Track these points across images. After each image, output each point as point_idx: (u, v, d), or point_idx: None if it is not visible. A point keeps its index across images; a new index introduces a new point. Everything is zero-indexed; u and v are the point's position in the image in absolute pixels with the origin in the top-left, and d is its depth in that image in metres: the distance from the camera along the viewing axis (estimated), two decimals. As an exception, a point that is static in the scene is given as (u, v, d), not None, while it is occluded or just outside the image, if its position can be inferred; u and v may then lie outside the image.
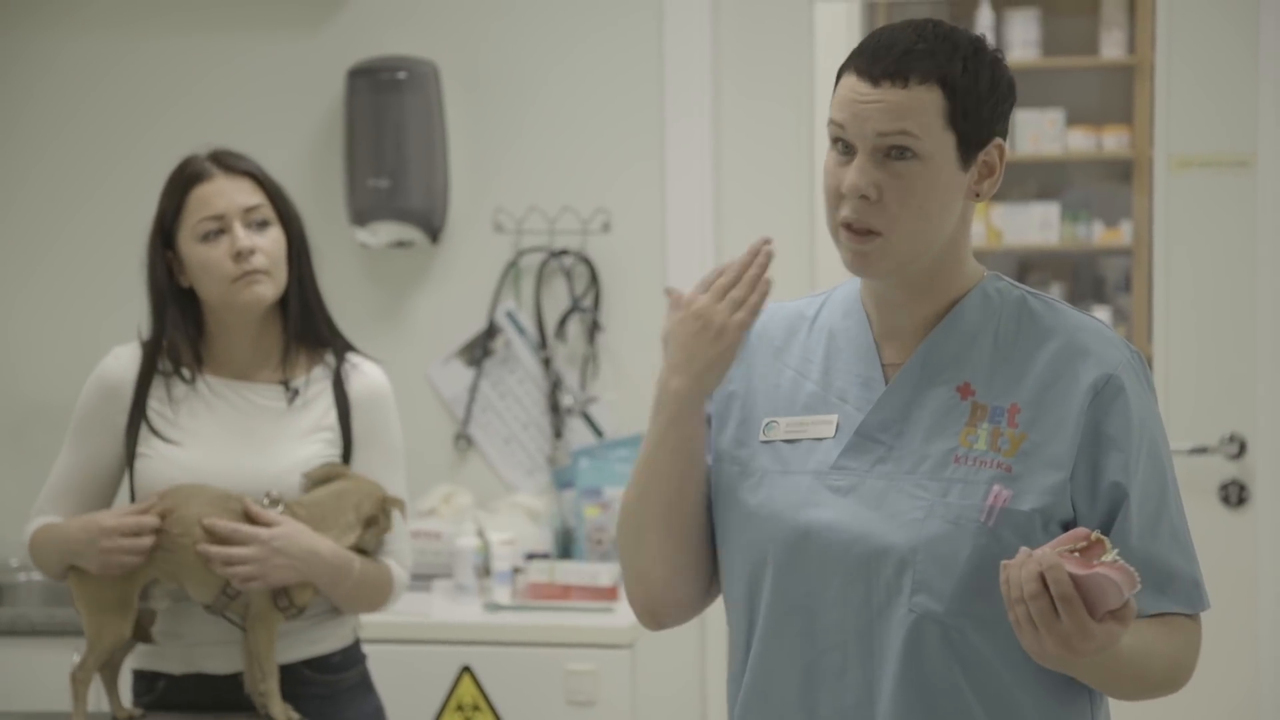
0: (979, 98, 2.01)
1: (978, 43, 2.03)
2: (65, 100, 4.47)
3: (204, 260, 2.85)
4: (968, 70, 2.00)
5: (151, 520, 2.76)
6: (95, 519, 2.79)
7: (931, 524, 2.01)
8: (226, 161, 2.89)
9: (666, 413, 2.10)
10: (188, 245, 2.86)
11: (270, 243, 2.87)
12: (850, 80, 2.02)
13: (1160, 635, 2.01)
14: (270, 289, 2.87)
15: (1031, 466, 2.01)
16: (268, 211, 2.88)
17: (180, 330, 2.90)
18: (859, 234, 2.02)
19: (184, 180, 2.87)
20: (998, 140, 2.05)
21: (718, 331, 2.07)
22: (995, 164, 2.06)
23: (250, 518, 2.77)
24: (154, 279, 2.90)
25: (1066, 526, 2.01)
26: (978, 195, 2.06)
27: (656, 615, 2.20)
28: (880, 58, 2.00)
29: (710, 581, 2.20)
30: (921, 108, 1.98)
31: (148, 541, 2.75)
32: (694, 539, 2.15)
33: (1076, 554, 1.85)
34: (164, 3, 4.42)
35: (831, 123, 2.03)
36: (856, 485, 2.06)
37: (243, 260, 2.83)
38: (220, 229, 2.84)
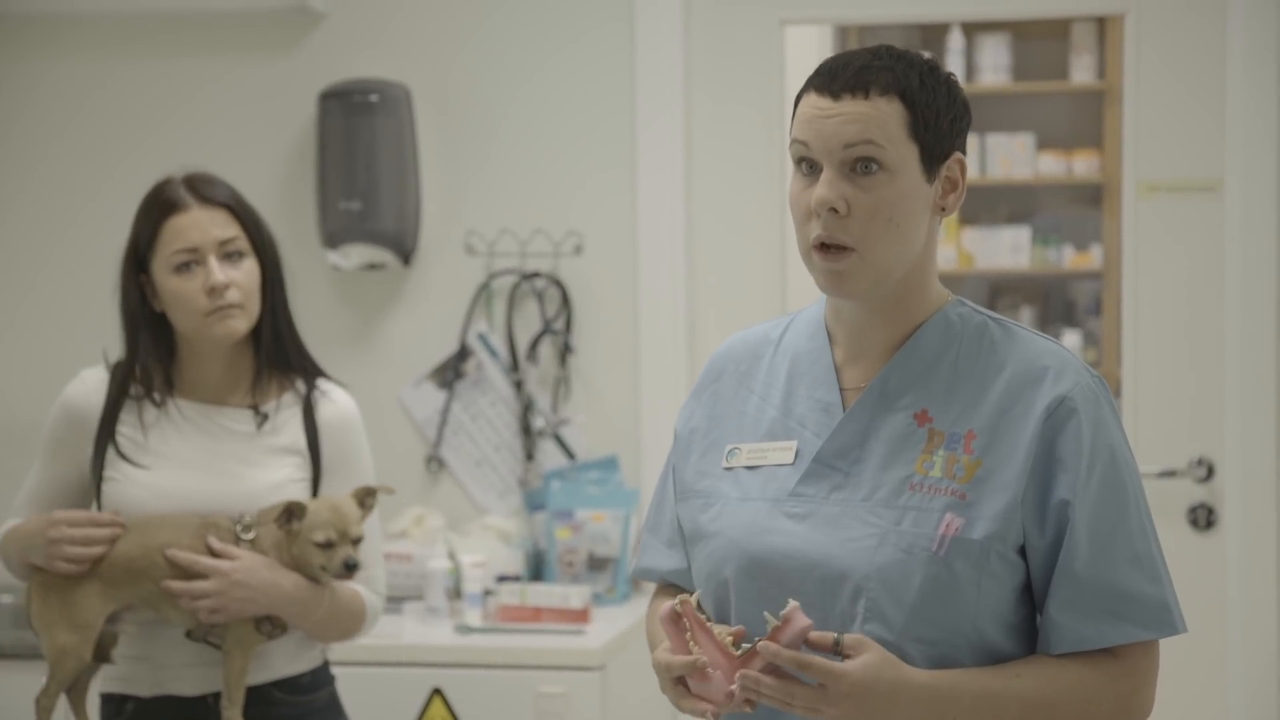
0: (938, 110, 2.03)
1: (932, 62, 2.07)
2: (37, 125, 4.46)
3: (177, 292, 2.84)
4: (925, 84, 2.03)
5: (106, 516, 2.77)
6: (51, 513, 2.81)
7: (884, 551, 2.01)
8: (202, 191, 2.86)
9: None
10: (161, 275, 2.85)
11: (244, 275, 2.86)
12: (811, 98, 2.04)
13: (1073, 675, 2.00)
14: (243, 322, 2.86)
15: (985, 492, 2.01)
16: (243, 243, 2.87)
17: (152, 355, 2.89)
18: (832, 252, 2.03)
19: (159, 208, 2.85)
20: (958, 155, 2.07)
21: None
22: (957, 179, 2.08)
23: (211, 552, 2.77)
24: (127, 303, 2.89)
25: (1021, 552, 2.02)
26: (943, 210, 2.08)
27: None
28: (839, 74, 2.03)
29: None
30: (884, 118, 2.01)
31: (100, 534, 2.76)
32: None
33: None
34: (136, 28, 4.42)
35: (795, 142, 2.05)
36: (813, 512, 2.06)
37: (216, 295, 2.82)
38: (194, 260, 2.84)
